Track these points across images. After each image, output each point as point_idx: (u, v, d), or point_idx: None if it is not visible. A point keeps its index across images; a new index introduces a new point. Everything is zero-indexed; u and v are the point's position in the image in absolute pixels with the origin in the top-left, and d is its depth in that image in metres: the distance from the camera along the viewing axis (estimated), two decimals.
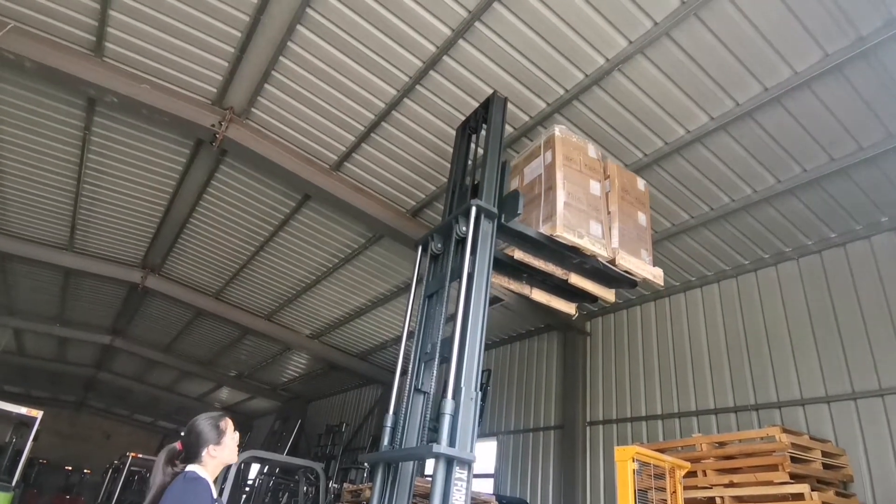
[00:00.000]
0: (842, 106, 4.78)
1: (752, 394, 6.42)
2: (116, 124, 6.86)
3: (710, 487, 5.33)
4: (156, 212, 8.60)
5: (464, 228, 3.48)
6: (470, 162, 4.58)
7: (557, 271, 4.00)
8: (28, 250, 9.75)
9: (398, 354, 3.73)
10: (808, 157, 5.35)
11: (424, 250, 3.97)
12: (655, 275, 4.14)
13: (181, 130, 6.70)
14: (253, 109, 6.23)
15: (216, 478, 2.49)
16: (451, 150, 5.13)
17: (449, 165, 4.96)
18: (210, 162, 7.24)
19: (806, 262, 6.46)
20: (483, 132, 4.42)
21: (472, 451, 2.79)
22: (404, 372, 3.59)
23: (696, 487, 5.39)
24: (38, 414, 8.54)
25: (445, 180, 5.99)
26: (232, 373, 16.78)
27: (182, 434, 2.46)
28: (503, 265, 3.94)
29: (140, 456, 13.43)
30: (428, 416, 3.36)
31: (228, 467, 6.07)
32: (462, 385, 2.92)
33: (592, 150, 4.28)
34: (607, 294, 4.27)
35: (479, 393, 2.99)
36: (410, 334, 3.77)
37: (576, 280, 4.04)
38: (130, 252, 10.05)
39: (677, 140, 5.48)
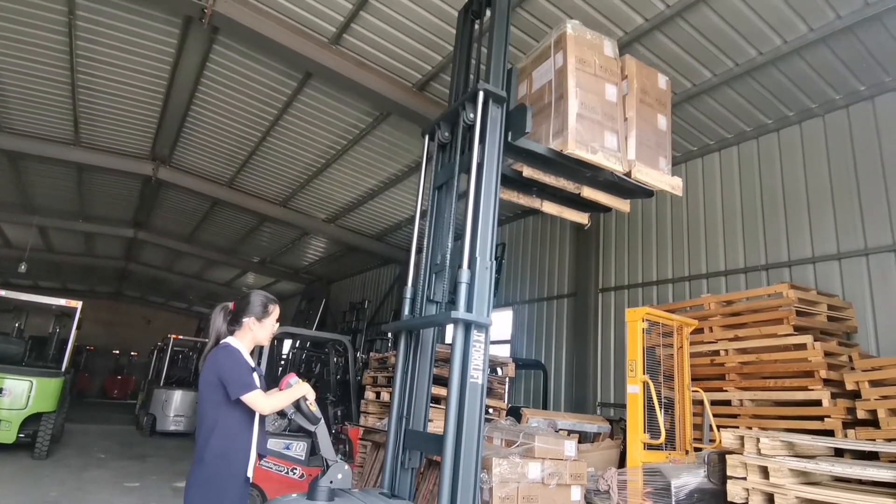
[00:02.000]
0: None
1: (764, 254, 6.51)
2: (100, 5, 6.44)
3: (715, 342, 5.62)
4: (155, 99, 8.37)
5: (471, 115, 3.28)
6: (474, 59, 4.13)
7: (569, 186, 3.79)
8: (36, 147, 9.72)
9: (413, 233, 3.77)
10: (843, 2, 4.91)
11: (432, 139, 3.81)
12: (674, 185, 3.87)
13: (168, 7, 6.29)
14: None
15: (251, 352, 2.70)
16: (455, 15, 4.75)
17: (454, 32, 4.63)
18: (203, 42, 6.87)
19: (832, 118, 6.20)
20: (487, 14, 3.94)
21: (488, 315, 2.92)
22: (420, 250, 3.65)
23: (701, 343, 5.69)
24: (77, 304, 8.98)
25: (451, 48, 5.64)
26: (255, 259, 17.37)
27: (239, 298, 2.73)
28: (512, 181, 3.73)
29: (180, 337, 14.40)
30: (445, 289, 3.49)
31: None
32: (477, 255, 2.98)
33: (609, 48, 3.83)
34: (622, 205, 4.07)
35: (494, 262, 3.06)
36: (423, 213, 3.77)
37: (588, 193, 3.83)
38: (137, 143, 9.96)
39: None
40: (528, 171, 3.63)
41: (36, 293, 9.41)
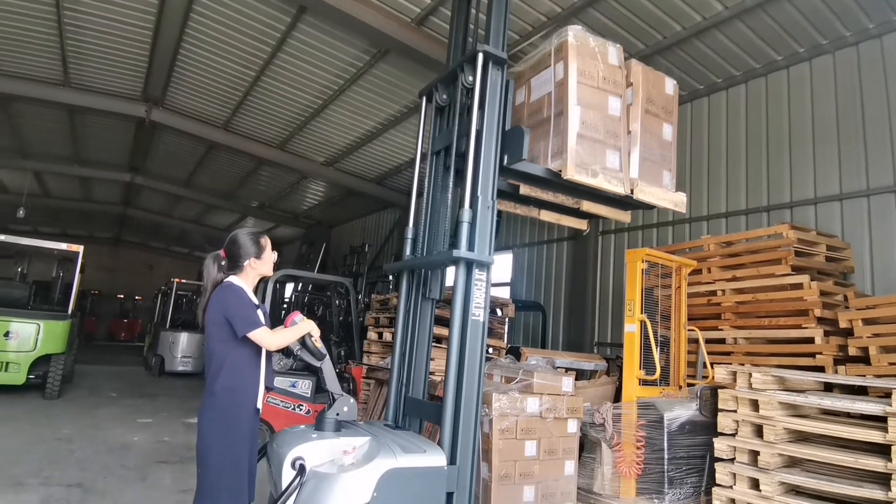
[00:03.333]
0: None
1: (766, 195, 6.49)
2: None
3: (713, 283, 5.68)
4: (144, 37, 8.08)
5: (470, 78, 3.12)
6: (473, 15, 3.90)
7: (568, 201, 3.66)
8: (25, 88, 9.48)
9: (413, 177, 3.71)
10: None
11: (429, 101, 3.68)
12: (677, 202, 3.68)
13: None
14: None
15: (255, 288, 2.72)
16: None
17: None
18: None
19: (842, 55, 6.03)
20: None
21: (490, 254, 2.93)
22: (420, 194, 3.61)
23: (699, 283, 5.75)
24: (79, 248, 8.99)
25: None
26: (254, 204, 17.30)
27: (225, 244, 2.69)
28: (508, 194, 3.57)
29: (183, 281, 14.53)
30: (447, 229, 3.47)
31: (266, 286, 6.57)
32: (479, 195, 2.95)
33: (613, 55, 3.55)
34: (623, 216, 3.91)
35: (495, 202, 3.04)
36: (423, 156, 3.70)
37: (588, 207, 3.69)
38: (129, 84, 9.70)
39: None
40: (524, 189, 3.49)
41: (36, 239, 9.42)
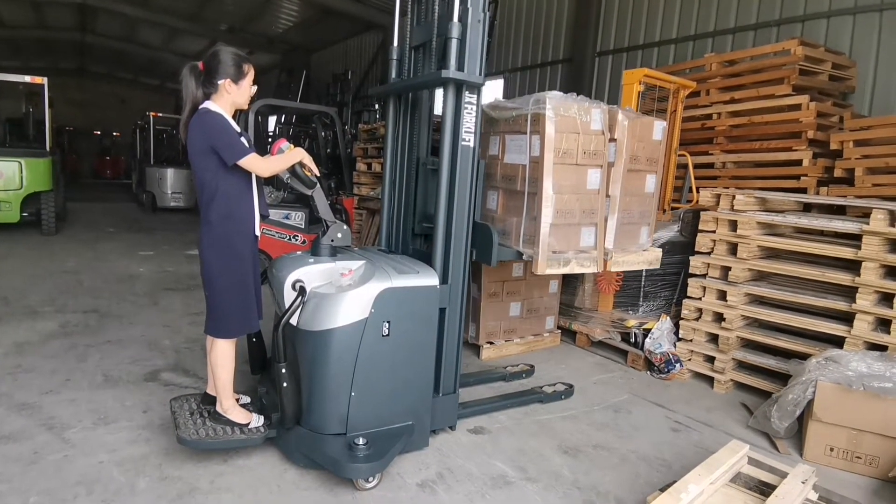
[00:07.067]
0: None
1: (779, 6, 6.02)
2: None
3: (710, 105, 5.52)
4: None
5: None
6: None
7: None
8: None
9: None
10: None
11: None
12: (651, 261, 3.49)
13: None
14: None
15: (234, 116, 2.58)
16: None
17: None
18: None
19: None
20: None
21: (480, 74, 2.75)
22: (404, 13, 3.29)
23: (696, 107, 5.59)
24: (42, 80, 8.47)
25: None
26: (223, 27, 15.87)
27: (205, 56, 2.47)
28: None
29: (160, 115, 13.91)
30: (434, 44, 3.23)
31: (246, 117, 6.30)
32: (469, 6, 2.68)
33: (597, 119, 3.03)
34: None
35: (487, 14, 2.78)
36: None
37: None
38: None
39: None
40: None
41: None
